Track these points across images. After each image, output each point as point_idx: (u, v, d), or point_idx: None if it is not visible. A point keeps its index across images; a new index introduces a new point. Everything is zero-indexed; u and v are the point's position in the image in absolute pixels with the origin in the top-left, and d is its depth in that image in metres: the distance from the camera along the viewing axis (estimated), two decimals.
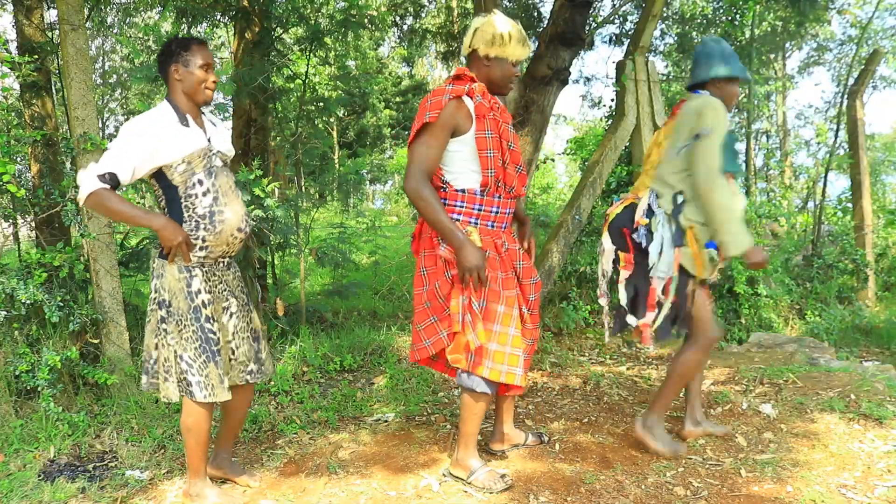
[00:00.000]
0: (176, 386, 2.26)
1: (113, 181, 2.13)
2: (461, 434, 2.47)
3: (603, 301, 2.87)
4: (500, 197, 2.40)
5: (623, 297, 2.69)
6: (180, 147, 2.21)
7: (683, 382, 2.70)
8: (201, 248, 2.25)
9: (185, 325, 2.23)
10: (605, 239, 2.75)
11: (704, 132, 2.43)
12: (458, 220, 2.35)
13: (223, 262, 2.37)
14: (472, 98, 2.32)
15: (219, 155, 2.34)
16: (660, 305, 2.59)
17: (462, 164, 2.35)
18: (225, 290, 2.36)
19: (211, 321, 2.26)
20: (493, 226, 2.41)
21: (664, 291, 2.56)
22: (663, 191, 2.59)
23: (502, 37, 2.34)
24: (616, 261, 2.71)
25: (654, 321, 2.59)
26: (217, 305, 2.31)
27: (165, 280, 2.24)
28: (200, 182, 2.25)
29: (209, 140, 2.31)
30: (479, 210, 2.38)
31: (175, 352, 2.24)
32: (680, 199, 2.55)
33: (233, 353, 2.38)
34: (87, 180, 2.11)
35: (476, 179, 2.35)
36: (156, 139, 2.17)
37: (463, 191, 2.36)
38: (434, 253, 2.41)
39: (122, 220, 2.22)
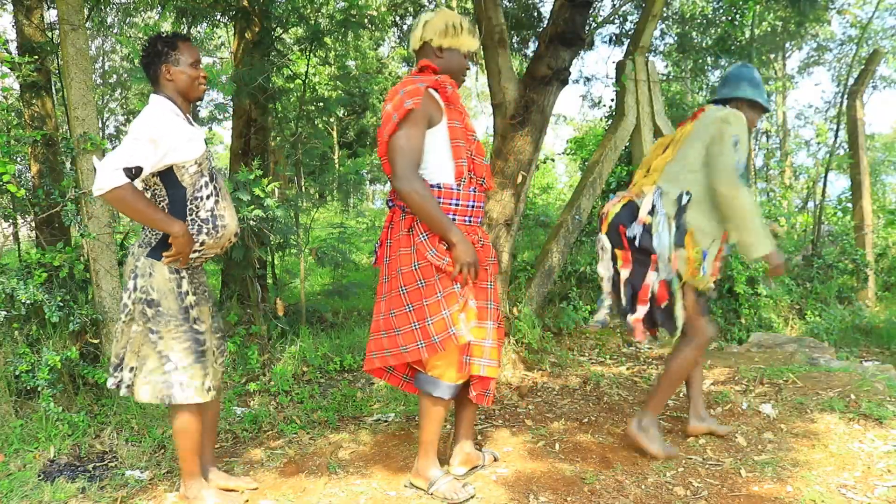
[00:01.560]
0: (153, 387, 2.20)
1: (138, 174, 2.06)
2: (421, 442, 2.38)
3: (608, 300, 2.81)
4: (474, 190, 2.34)
5: (625, 299, 2.68)
6: (194, 147, 2.17)
7: (679, 382, 2.70)
8: (195, 251, 2.22)
9: (174, 326, 2.19)
10: (603, 237, 2.73)
11: (735, 140, 2.49)
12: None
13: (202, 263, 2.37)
14: (438, 89, 2.29)
15: (211, 155, 2.32)
16: (651, 301, 2.59)
17: (434, 158, 2.28)
18: (205, 291, 2.36)
19: (199, 322, 2.25)
20: (469, 221, 2.34)
21: (662, 293, 2.57)
22: (670, 189, 2.59)
23: (454, 26, 2.33)
24: (614, 260, 2.70)
25: (643, 316, 2.60)
26: (203, 307, 2.30)
27: (155, 280, 2.18)
28: (206, 185, 2.22)
29: (204, 141, 2.29)
30: (457, 205, 2.30)
31: (161, 353, 2.19)
32: (685, 199, 2.56)
33: (213, 353, 2.36)
34: (111, 173, 2.01)
35: (450, 172, 2.28)
36: (175, 135, 2.13)
37: (438, 185, 2.28)
38: (408, 254, 2.28)
39: (140, 220, 2.13)
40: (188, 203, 2.20)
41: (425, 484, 2.36)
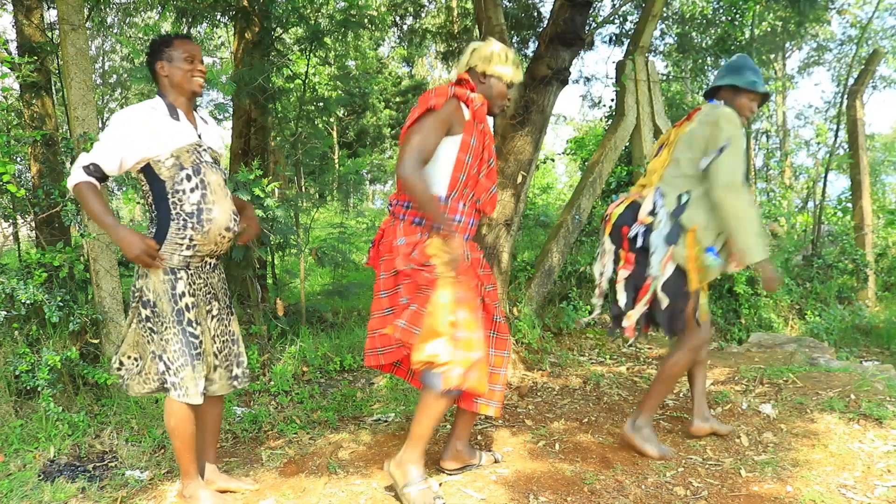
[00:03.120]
0: (146, 383, 2.28)
1: (97, 172, 2.15)
2: (411, 434, 2.32)
3: (599, 300, 2.85)
4: (463, 205, 2.38)
5: (622, 298, 2.67)
6: (169, 140, 2.20)
7: (672, 383, 2.71)
8: (188, 248, 2.23)
9: (167, 327, 2.21)
10: (607, 239, 2.75)
11: (726, 144, 2.45)
12: (420, 223, 2.32)
13: (210, 262, 2.35)
14: (469, 105, 2.35)
15: (209, 151, 2.33)
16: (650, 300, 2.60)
17: (437, 168, 2.33)
18: (209, 293, 2.35)
19: (193, 325, 2.25)
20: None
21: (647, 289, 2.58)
22: (668, 191, 2.60)
23: (500, 56, 2.43)
24: (616, 260, 2.71)
25: (635, 314, 2.60)
26: (201, 308, 2.30)
27: (150, 281, 2.22)
28: (188, 178, 2.22)
29: (199, 136, 2.30)
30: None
31: (153, 352, 2.24)
32: (684, 198, 2.56)
33: (216, 356, 2.37)
34: (75, 170, 2.15)
35: (444, 185, 2.33)
36: (144, 130, 2.17)
37: None
38: (391, 259, 2.37)
39: (93, 219, 2.20)
40: (169, 196, 2.21)
41: (402, 479, 2.29)
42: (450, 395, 2.28)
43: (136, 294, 2.26)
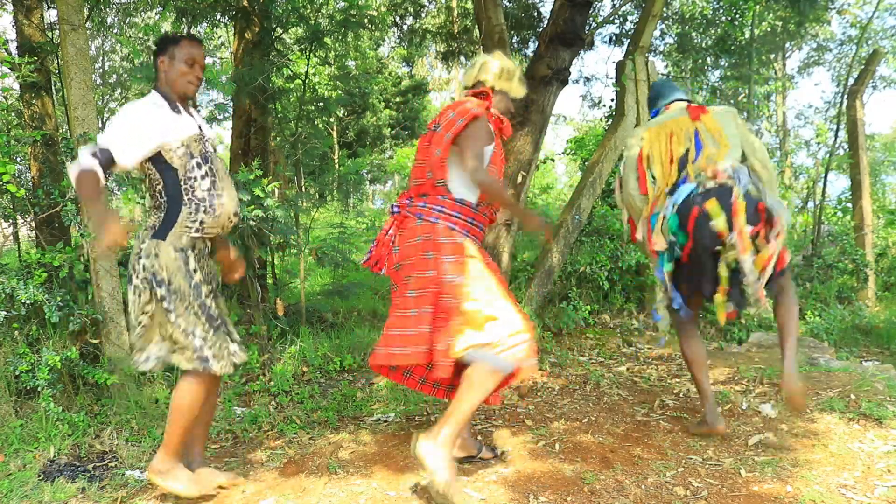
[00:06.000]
0: (188, 358, 2.26)
1: (104, 159, 2.17)
2: (458, 411, 2.20)
3: (757, 286, 2.71)
4: (486, 215, 2.46)
5: (755, 274, 2.64)
6: (178, 130, 2.27)
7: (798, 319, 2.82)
8: (197, 230, 2.30)
9: (190, 302, 2.26)
10: (741, 222, 2.62)
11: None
12: (454, 229, 2.34)
13: (207, 246, 2.42)
14: (491, 119, 2.42)
15: (210, 141, 2.41)
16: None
17: (467, 176, 2.35)
18: (209, 273, 2.42)
19: (210, 299, 2.33)
20: (475, 240, 2.43)
21: (783, 256, 2.71)
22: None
23: (509, 71, 2.47)
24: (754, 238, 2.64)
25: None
26: (209, 286, 2.37)
27: (161, 259, 2.24)
28: (199, 165, 2.30)
29: (200, 127, 2.38)
30: (472, 224, 2.43)
31: (185, 329, 2.25)
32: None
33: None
34: (81, 155, 2.16)
35: (476, 194, 2.38)
36: (156, 118, 2.24)
37: (461, 201, 2.39)
38: (425, 258, 2.35)
39: (85, 203, 2.23)
40: (182, 183, 2.27)
41: (434, 461, 2.17)
42: (507, 371, 2.23)
43: (146, 275, 2.24)
